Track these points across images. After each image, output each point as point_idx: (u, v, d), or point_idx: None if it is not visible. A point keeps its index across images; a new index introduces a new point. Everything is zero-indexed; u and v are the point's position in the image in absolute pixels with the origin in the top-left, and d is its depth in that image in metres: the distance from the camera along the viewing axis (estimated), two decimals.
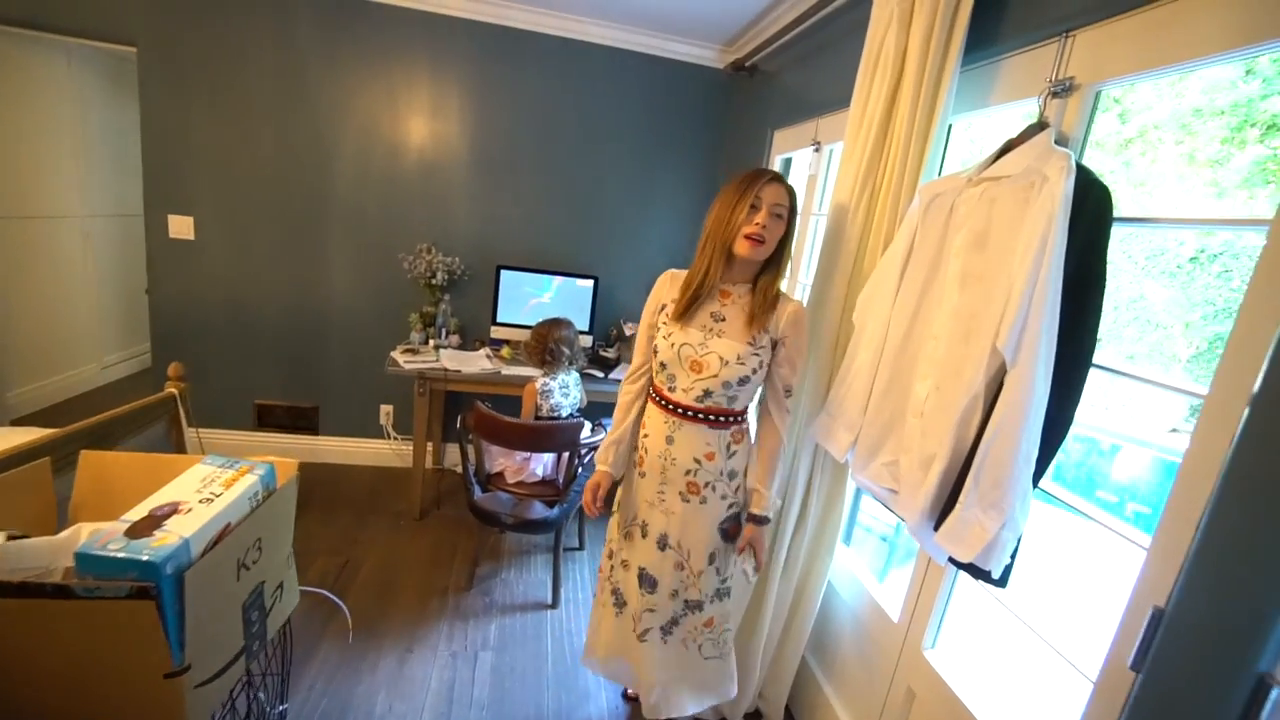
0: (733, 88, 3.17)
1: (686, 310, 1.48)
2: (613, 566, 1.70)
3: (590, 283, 3.12)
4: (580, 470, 2.32)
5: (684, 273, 1.55)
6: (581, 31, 2.98)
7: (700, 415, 1.48)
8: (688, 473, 1.51)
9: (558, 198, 3.22)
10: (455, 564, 2.57)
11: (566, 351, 2.35)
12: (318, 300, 3.13)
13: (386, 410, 3.33)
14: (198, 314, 3.06)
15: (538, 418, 2.31)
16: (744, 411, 1.53)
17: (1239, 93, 1.53)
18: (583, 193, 3.24)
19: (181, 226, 2.95)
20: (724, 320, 1.48)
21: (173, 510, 0.97)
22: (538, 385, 2.29)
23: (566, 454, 2.27)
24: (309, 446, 3.32)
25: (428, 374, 2.68)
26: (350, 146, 2.99)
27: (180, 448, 2.02)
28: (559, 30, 2.97)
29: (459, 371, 2.71)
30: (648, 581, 1.59)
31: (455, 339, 3.08)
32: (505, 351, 2.97)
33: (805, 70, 2.39)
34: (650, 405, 1.58)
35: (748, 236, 1.40)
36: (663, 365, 1.51)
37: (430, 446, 3.35)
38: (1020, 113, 1.37)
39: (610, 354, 3.12)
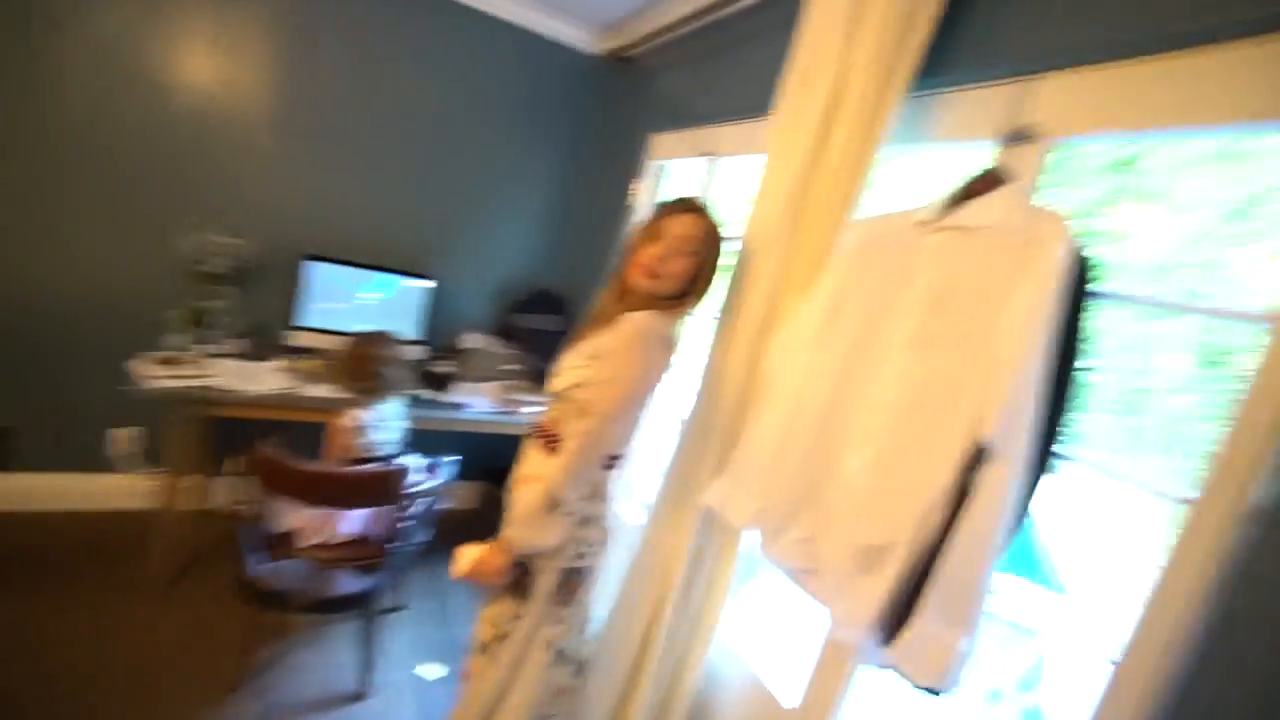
0: (608, 79, 2.85)
1: (577, 336, 1.35)
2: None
3: (426, 285, 2.59)
4: (409, 522, 1.82)
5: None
6: None
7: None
8: None
9: (392, 178, 2.64)
10: (219, 651, 1.90)
11: (390, 375, 1.85)
12: (19, 284, 2.19)
13: (119, 435, 2.45)
14: None
15: (350, 461, 1.77)
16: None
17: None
18: (425, 177, 2.69)
19: None
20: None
21: None
22: (350, 420, 1.75)
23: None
24: None
25: (193, 395, 1.97)
26: (87, 78, 2.12)
27: None
28: None
29: (239, 392, 2.03)
30: None
31: (237, 344, 2.35)
32: (305, 364, 2.33)
33: (698, 71, 2.16)
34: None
35: (638, 265, 1.26)
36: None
37: (201, 481, 2.55)
38: (957, 156, 1.25)
39: (446, 368, 2.60)
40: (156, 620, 1.99)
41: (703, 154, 2.02)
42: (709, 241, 1.27)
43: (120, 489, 2.49)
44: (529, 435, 1.35)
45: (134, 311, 2.33)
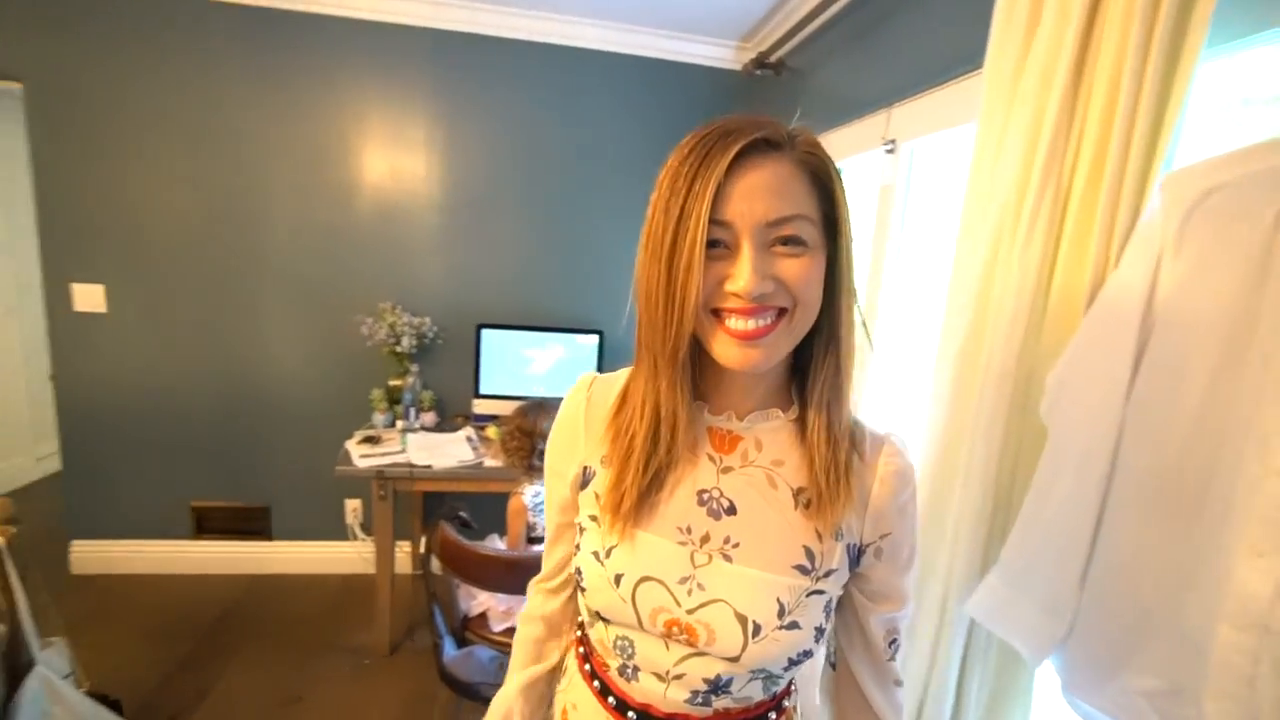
0: (755, 90, 2.60)
1: (642, 497, 0.62)
2: None
3: (594, 339, 2.51)
4: None
5: (617, 380, 0.69)
6: (568, 35, 2.44)
7: None
8: None
9: (549, 239, 2.64)
10: None
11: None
12: (258, 380, 2.54)
13: (353, 506, 2.70)
14: (114, 402, 2.48)
15: (531, 540, 1.67)
16: (788, 692, 0.71)
17: None
18: (579, 231, 2.65)
19: (89, 297, 2.39)
20: (731, 509, 0.62)
21: None
22: (526, 499, 1.65)
23: None
24: (261, 555, 2.69)
25: (388, 472, 2.06)
26: (288, 191, 2.42)
27: (14, 627, 1.40)
28: (542, 35, 2.43)
29: (428, 467, 2.08)
30: None
31: (430, 417, 2.47)
32: (492, 430, 2.35)
33: (861, 52, 1.81)
34: (582, 687, 0.70)
35: (726, 331, 0.56)
36: (597, 615, 0.65)
37: (410, 547, 2.72)
38: None
39: None
40: (382, 689, 2.06)
41: (883, 143, 1.65)
42: (830, 198, 0.57)
43: (356, 555, 2.73)
44: None
45: (347, 394, 2.57)
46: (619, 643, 0.64)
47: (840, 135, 1.94)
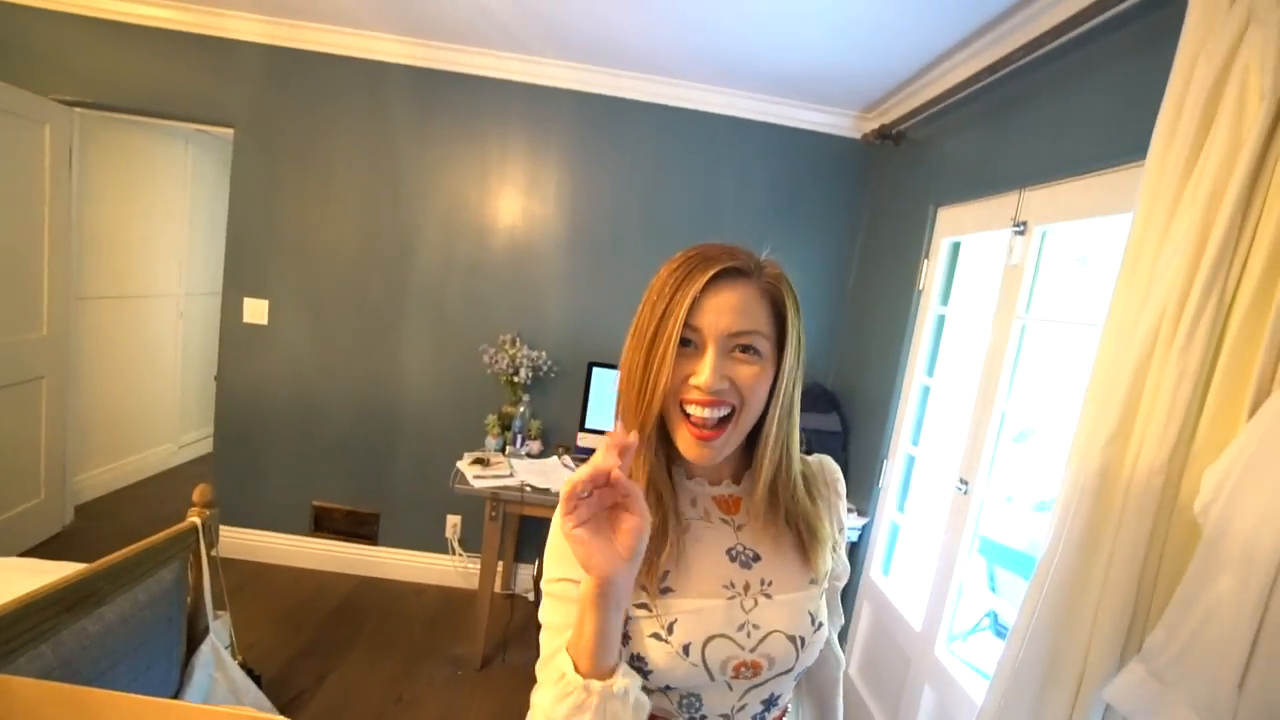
0: (873, 159, 2.70)
1: (679, 568, 0.70)
2: None
3: None
4: None
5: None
6: (696, 100, 2.63)
7: None
8: None
9: None
10: None
11: None
12: (388, 396, 2.80)
13: (453, 522, 2.88)
14: (263, 404, 2.79)
15: None
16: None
17: None
18: None
19: (256, 311, 2.73)
20: (756, 556, 0.73)
21: None
22: None
23: None
24: (367, 558, 2.90)
25: (502, 494, 2.22)
26: (435, 230, 2.71)
27: (198, 595, 1.61)
28: (675, 100, 2.63)
29: (545, 491, 2.22)
30: None
31: (535, 445, 2.63)
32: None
33: (993, 131, 1.87)
34: None
35: (688, 427, 0.67)
36: (665, 688, 0.69)
37: (500, 567, 2.86)
38: None
39: None
40: (477, 700, 2.18)
41: (1013, 225, 1.69)
42: (778, 318, 0.70)
43: (453, 570, 2.90)
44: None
45: (463, 416, 2.78)
46: (684, 701, 0.70)
47: (963, 211, 2.00)
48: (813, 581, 0.74)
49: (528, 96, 2.63)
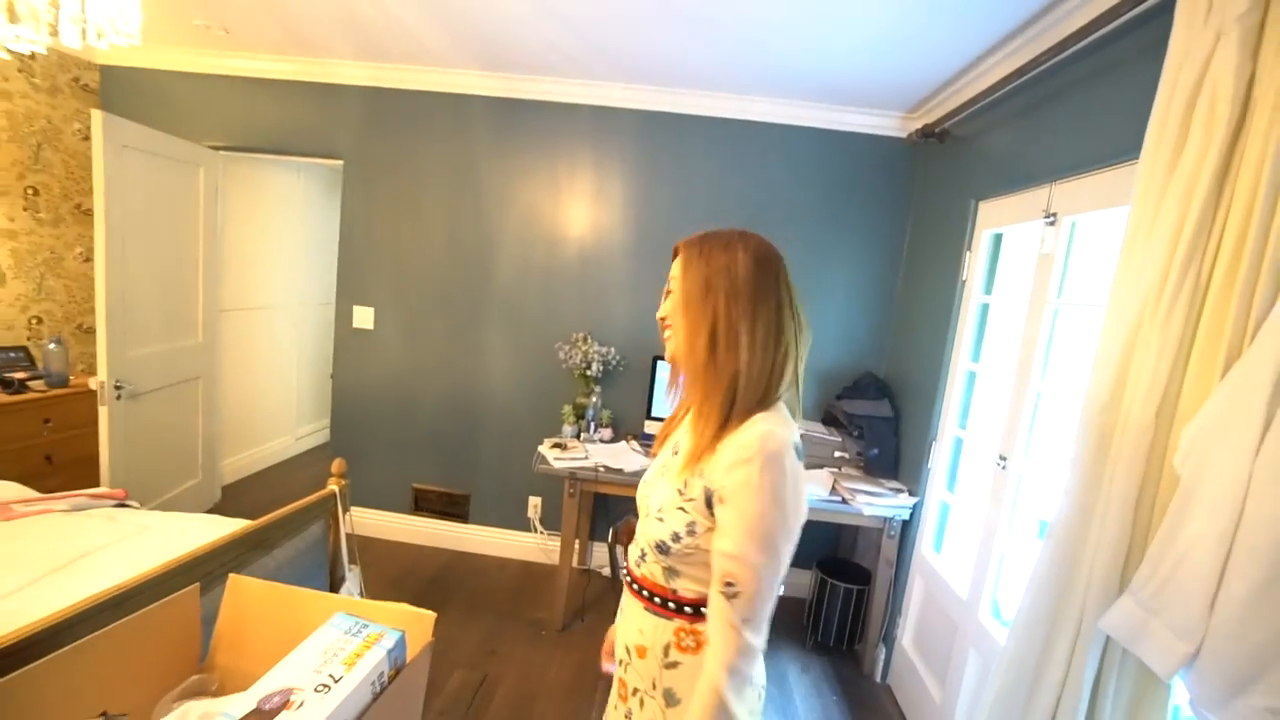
0: (917, 157, 2.81)
1: (664, 430, 1.14)
2: None
3: None
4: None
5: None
6: (748, 111, 2.83)
7: (636, 586, 1.03)
8: (620, 663, 1.09)
9: None
10: (599, 695, 2.26)
11: None
12: (475, 389, 3.15)
13: (534, 503, 3.20)
14: (371, 399, 3.21)
15: None
16: (698, 604, 0.96)
17: None
18: None
19: (363, 317, 3.15)
20: (679, 452, 1.01)
21: (283, 703, 0.79)
22: None
23: None
24: (458, 535, 3.27)
25: (579, 474, 2.50)
26: (512, 240, 3.04)
27: (336, 548, 1.97)
28: (727, 112, 2.84)
29: (619, 471, 2.49)
30: None
31: (606, 432, 2.90)
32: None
33: (1026, 128, 1.98)
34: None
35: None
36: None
37: (576, 545, 3.15)
38: None
39: None
40: (557, 657, 2.47)
41: (1044, 216, 1.81)
42: (686, 271, 1.04)
43: (535, 546, 3.23)
44: (630, 585, 1.05)
45: (540, 407, 3.10)
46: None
47: (1001, 204, 2.11)
48: (678, 489, 0.95)
49: (593, 117, 2.91)
